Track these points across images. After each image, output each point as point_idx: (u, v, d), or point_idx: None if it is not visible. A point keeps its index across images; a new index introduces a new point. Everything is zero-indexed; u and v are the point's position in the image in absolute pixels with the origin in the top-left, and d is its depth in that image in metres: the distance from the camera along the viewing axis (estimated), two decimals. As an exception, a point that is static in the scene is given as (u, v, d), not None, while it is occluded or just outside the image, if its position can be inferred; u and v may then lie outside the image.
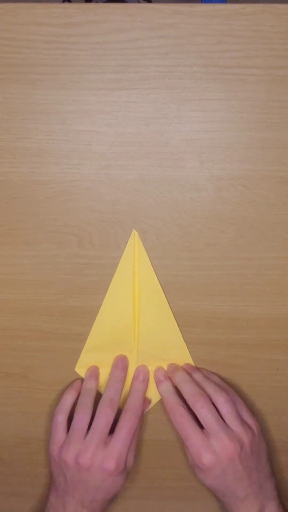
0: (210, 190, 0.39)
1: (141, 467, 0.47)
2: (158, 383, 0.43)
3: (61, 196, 0.40)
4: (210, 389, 0.41)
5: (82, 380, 0.44)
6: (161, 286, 0.42)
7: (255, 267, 0.41)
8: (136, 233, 0.40)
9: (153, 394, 0.45)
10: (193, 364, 0.44)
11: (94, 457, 0.39)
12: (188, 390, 0.41)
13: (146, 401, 0.44)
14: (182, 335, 0.43)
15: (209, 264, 0.41)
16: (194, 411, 0.40)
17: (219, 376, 0.44)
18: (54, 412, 0.43)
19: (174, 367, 0.44)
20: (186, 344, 0.43)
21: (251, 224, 0.40)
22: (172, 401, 0.41)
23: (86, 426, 0.41)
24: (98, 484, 0.39)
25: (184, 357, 0.44)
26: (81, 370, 0.45)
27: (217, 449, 0.38)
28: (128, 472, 0.42)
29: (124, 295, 0.42)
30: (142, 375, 0.43)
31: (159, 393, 0.43)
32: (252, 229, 0.40)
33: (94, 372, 0.44)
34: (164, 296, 0.42)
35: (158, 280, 0.41)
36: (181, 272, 0.41)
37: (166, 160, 0.38)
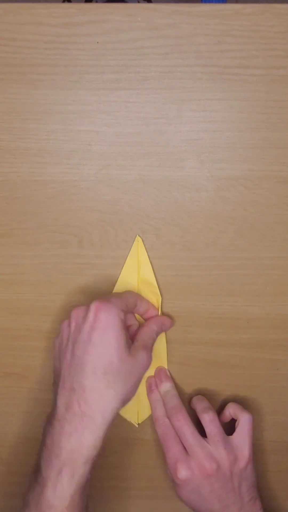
0: (210, 190, 0.39)
1: (141, 467, 0.47)
2: (149, 392, 0.43)
3: (61, 196, 0.40)
4: (199, 406, 0.41)
5: None
6: (160, 292, 0.41)
7: (255, 267, 0.41)
8: (140, 239, 0.40)
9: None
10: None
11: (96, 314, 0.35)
12: (168, 402, 0.41)
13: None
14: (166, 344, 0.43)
15: (209, 264, 0.41)
16: (171, 423, 0.40)
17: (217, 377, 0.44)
18: None
19: (163, 377, 0.43)
20: (186, 344, 0.43)
21: (251, 224, 0.40)
22: (159, 411, 0.42)
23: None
24: (84, 339, 0.34)
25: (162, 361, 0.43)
26: None
27: (193, 464, 0.38)
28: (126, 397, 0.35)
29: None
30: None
31: (149, 401, 0.43)
32: (252, 229, 0.40)
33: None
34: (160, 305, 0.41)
35: (158, 284, 0.41)
36: (181, 272, 0.41)
37: (166, 160, 0.38)
